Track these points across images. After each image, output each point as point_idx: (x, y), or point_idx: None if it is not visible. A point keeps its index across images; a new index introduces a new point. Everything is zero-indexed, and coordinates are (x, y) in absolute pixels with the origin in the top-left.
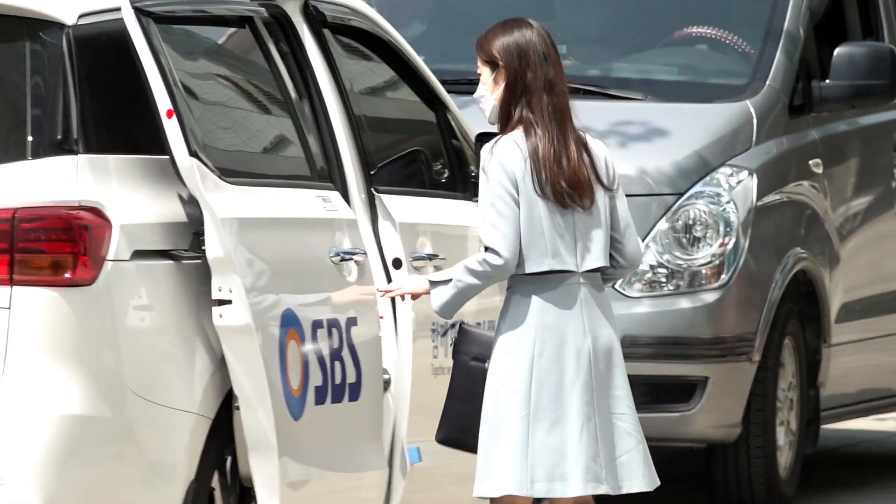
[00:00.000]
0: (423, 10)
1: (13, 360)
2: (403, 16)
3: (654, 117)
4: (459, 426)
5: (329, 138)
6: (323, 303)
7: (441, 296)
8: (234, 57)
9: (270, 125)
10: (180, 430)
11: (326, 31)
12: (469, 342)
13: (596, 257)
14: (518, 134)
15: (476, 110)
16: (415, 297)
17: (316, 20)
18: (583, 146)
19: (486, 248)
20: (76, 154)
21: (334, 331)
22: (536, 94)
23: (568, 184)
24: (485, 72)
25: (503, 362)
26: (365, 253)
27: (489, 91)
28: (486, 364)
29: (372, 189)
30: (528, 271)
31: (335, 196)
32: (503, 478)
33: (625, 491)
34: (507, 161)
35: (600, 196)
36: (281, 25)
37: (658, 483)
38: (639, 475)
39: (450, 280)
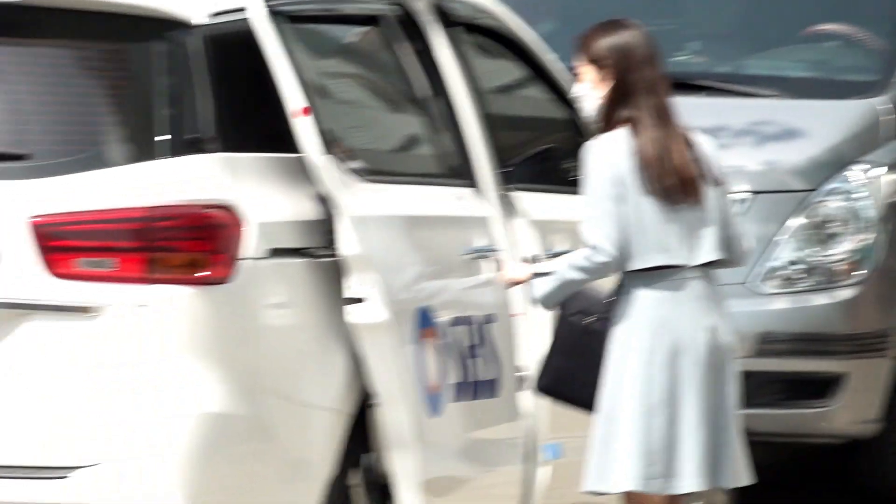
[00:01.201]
0: (554, 8)
1: (151, 358)
2: (535, 13)
3: (787, 114)
4: (558, 378)
5: (462, 136)
6: (459, 300)
7: (542, 286)
8: (365, 55)
9: (403, 123)
10: (318, 427)
11: (457, 30)
12: (572, 297)
13: (707, 251)
14: (622, 133)
15: None
16: (516, 283)
17: (446, 18)
18: (688, 143)
19: (590, 246)
20: (210, 153)
21: (471, 328)
22: (640, 95)
23: (674, 181)
24: (587, 71)
25: (619, 358)
26: (499, 250)
27: (591, 90)
28: (588, 319)
29: (505, 186)
30: (636, 267)
31: (469, 193)
32: (621, 474)
33: (731, 486)
34: (611, 159)
35: (709, 191)
36: (412, 24)
37: (755, 479)
38: (743, 470)
39: (552, 272)
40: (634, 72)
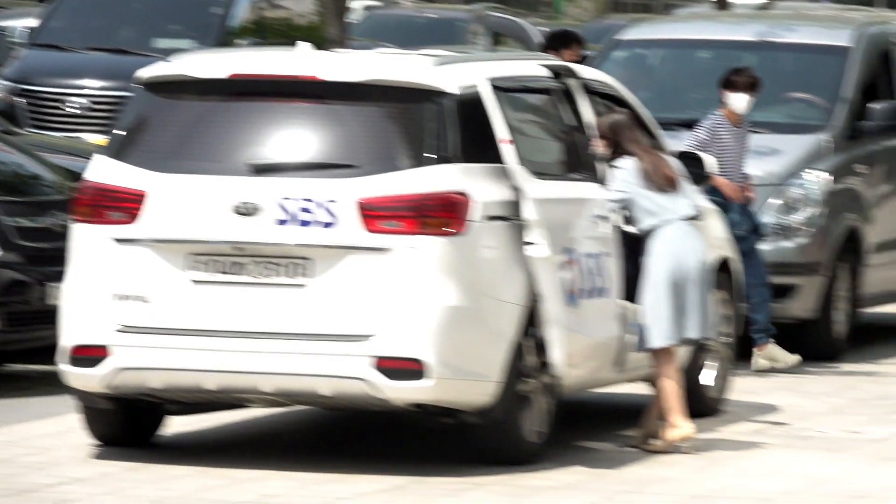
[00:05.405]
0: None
1: (419, 275)
2: (635, 86)
3: (773, 141)
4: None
5: (589, 150)
6: (586, 243)
7: None
8: (541, 109)
9: (557, 143)
10: (509, 313)
11: (594, 96)
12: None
13: None
14: None
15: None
16: None
17: (587, 89)
18: None
19: None
20: (455, 163)
21: (592, 259)
22: None
23: None
24: None
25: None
26: (611, 216)
27: None
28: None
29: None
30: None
31: (592, 181)
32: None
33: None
34: None
35: None
36: (567, 92)
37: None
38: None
39: None
40: None
